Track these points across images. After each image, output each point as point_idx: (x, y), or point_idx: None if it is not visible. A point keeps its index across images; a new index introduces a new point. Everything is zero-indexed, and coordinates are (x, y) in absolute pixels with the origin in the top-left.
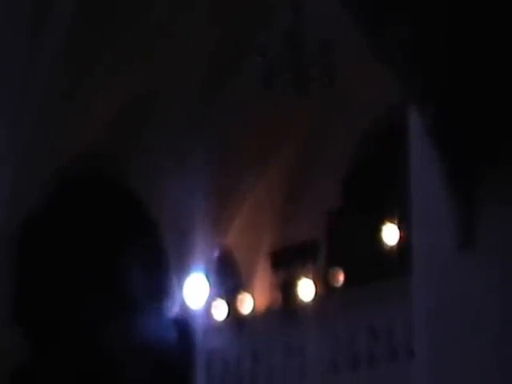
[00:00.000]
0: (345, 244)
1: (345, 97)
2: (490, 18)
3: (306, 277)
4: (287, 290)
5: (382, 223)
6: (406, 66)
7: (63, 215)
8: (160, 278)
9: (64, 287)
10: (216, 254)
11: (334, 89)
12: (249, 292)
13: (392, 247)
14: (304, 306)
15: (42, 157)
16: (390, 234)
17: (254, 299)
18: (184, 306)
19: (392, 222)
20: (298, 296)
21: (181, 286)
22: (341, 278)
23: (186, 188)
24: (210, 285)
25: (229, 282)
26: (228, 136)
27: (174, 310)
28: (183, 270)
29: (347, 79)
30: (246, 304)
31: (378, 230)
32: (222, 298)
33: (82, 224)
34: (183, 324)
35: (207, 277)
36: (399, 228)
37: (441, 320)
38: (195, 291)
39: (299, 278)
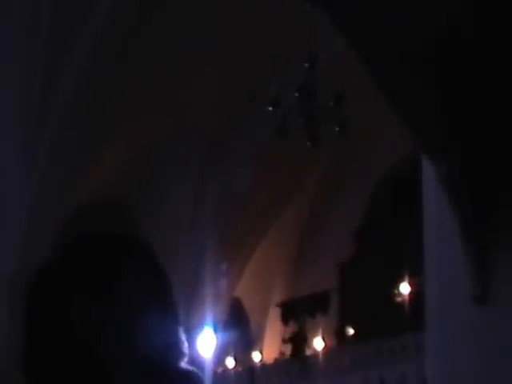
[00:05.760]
0: (356, 296)
1: (357, 148)
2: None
3: (317, 329)
4: (297, 341)
5: (395, 276)
6: (423, 121)
7: (76, 266)
8: (169, 331)
9: (75, 341)
10: (226, 306)
11: (346, 140)
12: (259, 344)
13: (404, 300)
14: (314, 358)
15: (54, 208)
16: (403, 287)
17: (264, 351)
18: (194, 359)
19: (405, 274)
20: (308, 348)
21: (191, 340)
22: (351, 330)
23: (197, 241)
24: (220, 338)
25: (239, 334)
26: (240, 187)
27: (183, 364)
28: (193, 324)
29: (360, 130)
30: (256, 356)
31: (391, 283)
32: (232, 350)
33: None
34: (194, 377)
35: (217, 330)
36: (412, 281)
37: (455, 374)
38: (205, 344)
39: (310, 330)
